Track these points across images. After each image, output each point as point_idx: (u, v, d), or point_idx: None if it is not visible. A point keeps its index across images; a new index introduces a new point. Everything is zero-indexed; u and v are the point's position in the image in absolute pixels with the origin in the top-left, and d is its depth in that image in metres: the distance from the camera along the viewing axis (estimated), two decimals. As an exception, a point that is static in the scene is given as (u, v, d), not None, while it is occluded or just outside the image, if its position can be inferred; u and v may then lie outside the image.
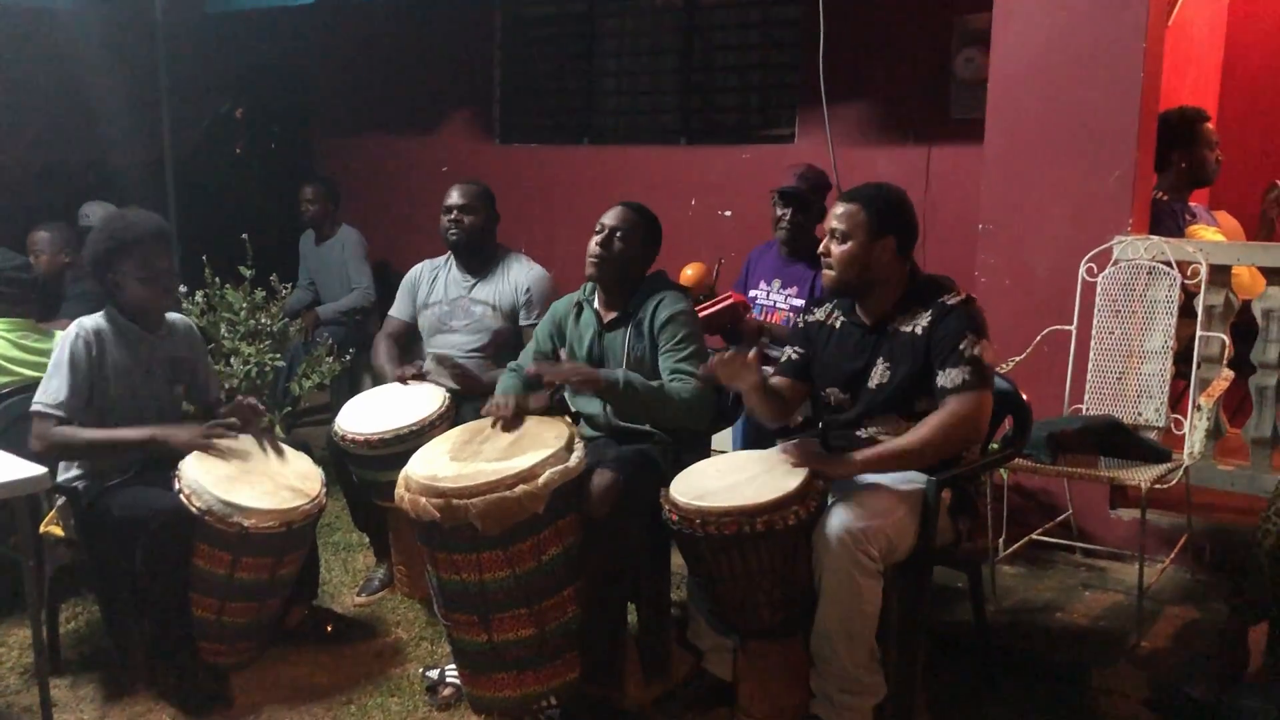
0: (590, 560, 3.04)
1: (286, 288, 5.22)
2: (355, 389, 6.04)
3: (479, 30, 6.71)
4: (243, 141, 7.47)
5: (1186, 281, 3.75)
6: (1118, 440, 3.55)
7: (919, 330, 2.90)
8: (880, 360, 2.95)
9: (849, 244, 2.91)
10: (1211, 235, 4.13)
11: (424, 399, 3.76)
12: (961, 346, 2.83)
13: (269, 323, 5.06)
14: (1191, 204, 4.39)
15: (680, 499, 2.82)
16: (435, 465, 3.04)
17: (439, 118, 6.90)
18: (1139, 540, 3.56)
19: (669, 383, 3.19)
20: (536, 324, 3.97)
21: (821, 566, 2.72)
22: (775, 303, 4.31)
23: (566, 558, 3.01)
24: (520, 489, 2.88)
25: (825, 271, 2.97)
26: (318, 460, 3.57)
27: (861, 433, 2.98)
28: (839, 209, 2.93)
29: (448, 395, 3.78)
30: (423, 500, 2.92)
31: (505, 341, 4.06)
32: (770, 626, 2.86)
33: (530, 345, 3.62)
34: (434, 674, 3.27)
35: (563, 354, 3.48)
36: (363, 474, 3.76)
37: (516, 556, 2.93)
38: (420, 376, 3.93)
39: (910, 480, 2.88)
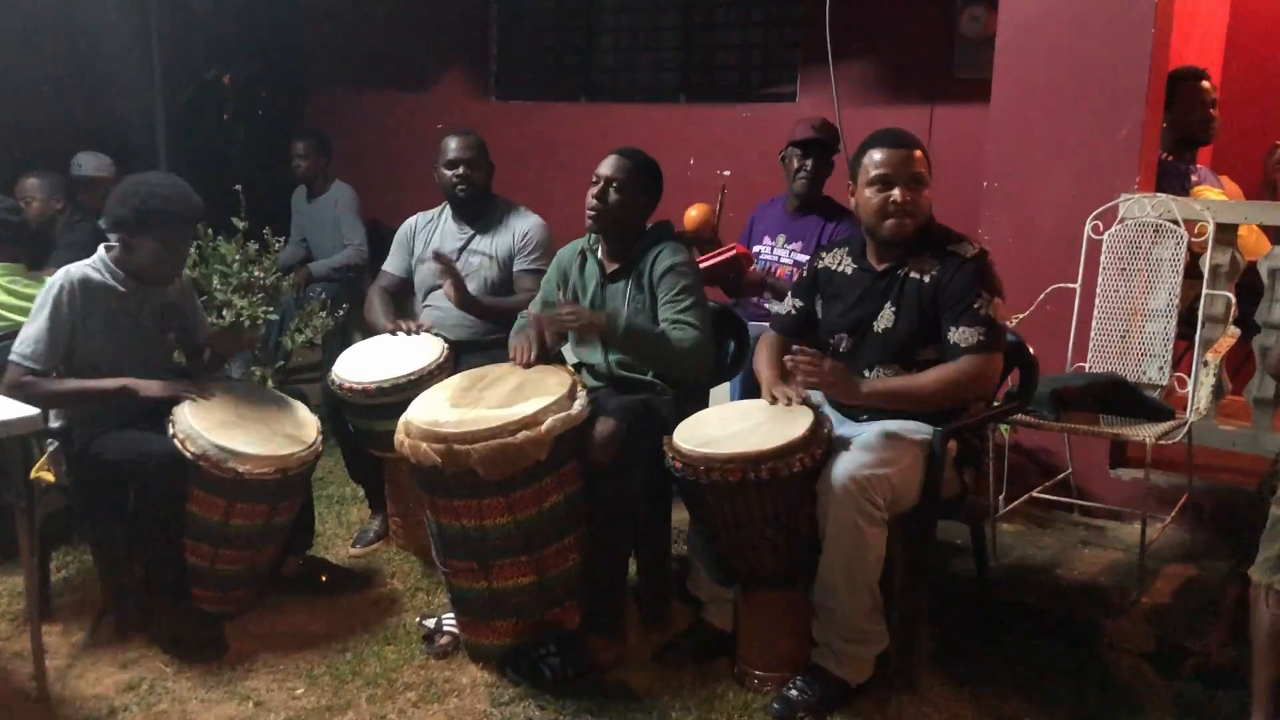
0: (592, 508, 3.01)
1: (280, 241, 5.16)
2: (347, 346, 5.98)
3: (476, -16, 6.62)
4: (230, 109, 7.32)
5: (1193, 240, 3.72)
6: (1121, 398, 3.53)
7: (928, 279, 2.87)
8: (888, 305, 2.92)
9: (927, 189, 2.89)
10: (1216, 196, 4.10)
11: (423, 349, 3.71)
12: (976, 305, 2.80)
13: (262, 276, 5.00)
14: (1198, 165, 4.36)
15: (684, 445, 2.78)
16: (436, 411, 3.00)
17: (434, 73, 6.81)
18: (1146, 499, 3.55)
19: (672, 331, 3.15)
20: (532, 269, 3.94)
21: (826, 514, 2.70)
22: (779, 258, 4.27)
23: (568, 505, 2.97)
24: (523, 435, 2.84)
25: (902, 223, 2.88)
26: (312, 411, 3.53)
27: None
28: (910, 154, 2.88)
29: (446, 345, 3.73)
30: (424, 446, 2.88)
31: (502, 292, 4.01)
32: (773, 575, 2.83)
33: (539, 295, 3.57)
34: (430, 623, 3.23)
35: (560, 296, 3.42)
36: (360, 423, 3.72)
37: (518, 503, 2.90)
38: (417, 329, 3.88)
39: (917, 430, 2.85)
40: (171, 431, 3.13)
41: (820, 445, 2.74)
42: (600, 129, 6.11)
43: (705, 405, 3.28)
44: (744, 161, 5.58)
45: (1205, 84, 4.29)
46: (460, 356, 3.73)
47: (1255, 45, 5.36)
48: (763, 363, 3.13)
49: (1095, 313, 3.83)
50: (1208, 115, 4.27)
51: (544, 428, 2.87)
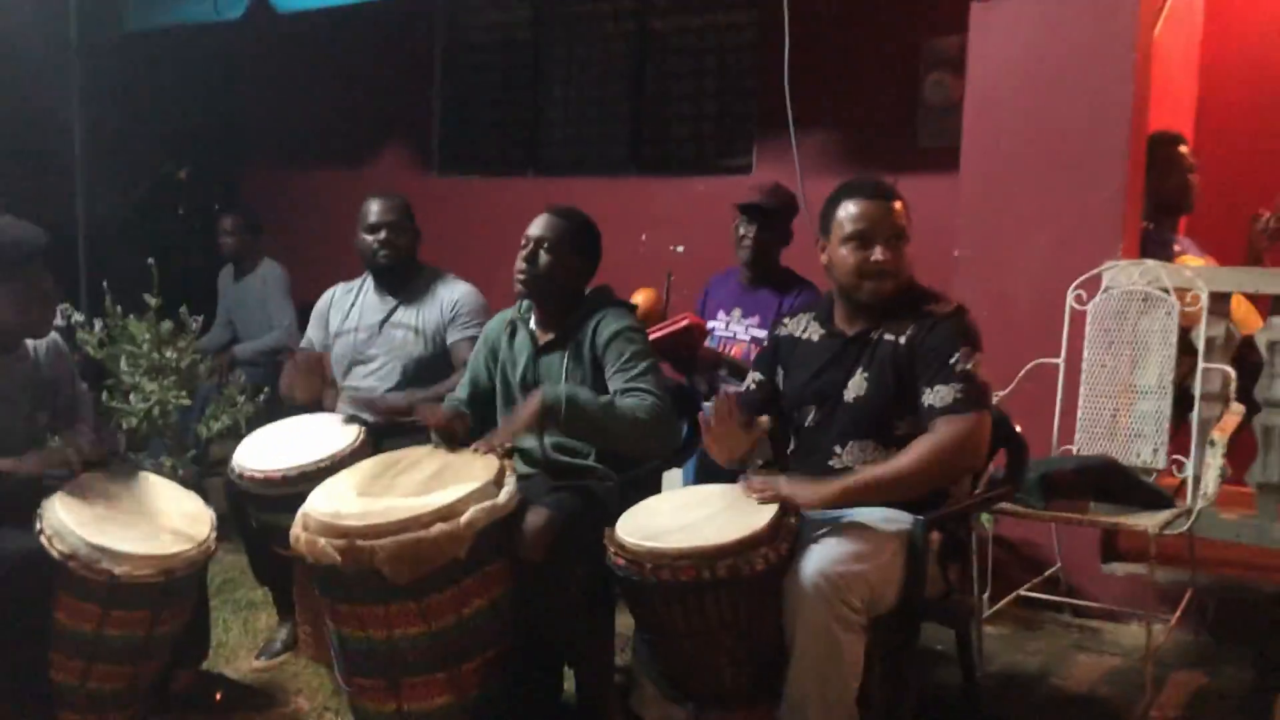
0: (521, 616, 2.59)
1: (197, 320, 4.76)
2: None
3: (418, 55, 6.33)
4: (184, 204, 6.97)
5: (1184, 310, 3.41)
6: (1116, 483, 3.18)
7: (903, 339, 2.54)
8: (860, 371, 2.58)
9: (907, 244, 2.58)
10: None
11: (336, 432, 3.31)
12: (952, 361, 2.47)
13: (175, 357, 4.60)
14: (1180, 235, 4.11)
15: (628, 539, 2.38)
16: (339, 501, 2.59)
17: (373, 147, 6.48)
18: (1143, 596, 3.19)
19: (625, 400, 2.76)
20: (469, 335, 3.57)
21: (795, 619, 2.30)
22: (735, 333, 3.93)
23: (493, 612, 2.56)
24: (438, 529, 2.44)
25: (882, 284, 2.56)
26: (216, 509, 3.11)
27: (835, 462, 2.60)
28: (889, 207, 2.57)
29: (363, 428, 3.33)
30: (321, 541, 2.47)
31: (429, 369, 3.62)
32: (733, 692, 2.41)
33: (465, 376, 3.18)
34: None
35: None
36: (263, 518, 3.28)
37: (433, 610, 2.48)
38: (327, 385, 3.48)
39: (894, 520, 2.48)
40: (38, 527, 2.71)
41: (787, 538, 2.35)
42: (548, 203, 5.77)
43: (657, 492, 2.89)
44: (698, 235, 5.28)
45: (1183, 148, 4.06)
46: (380, 441, 3.33)
47: (1225, 115, 5.16)
48: (712, 436, 2.73)
49: (1081, 390, 3.50)
50: (1186, 181, 4.03)
51: (464, 520, 2.47)
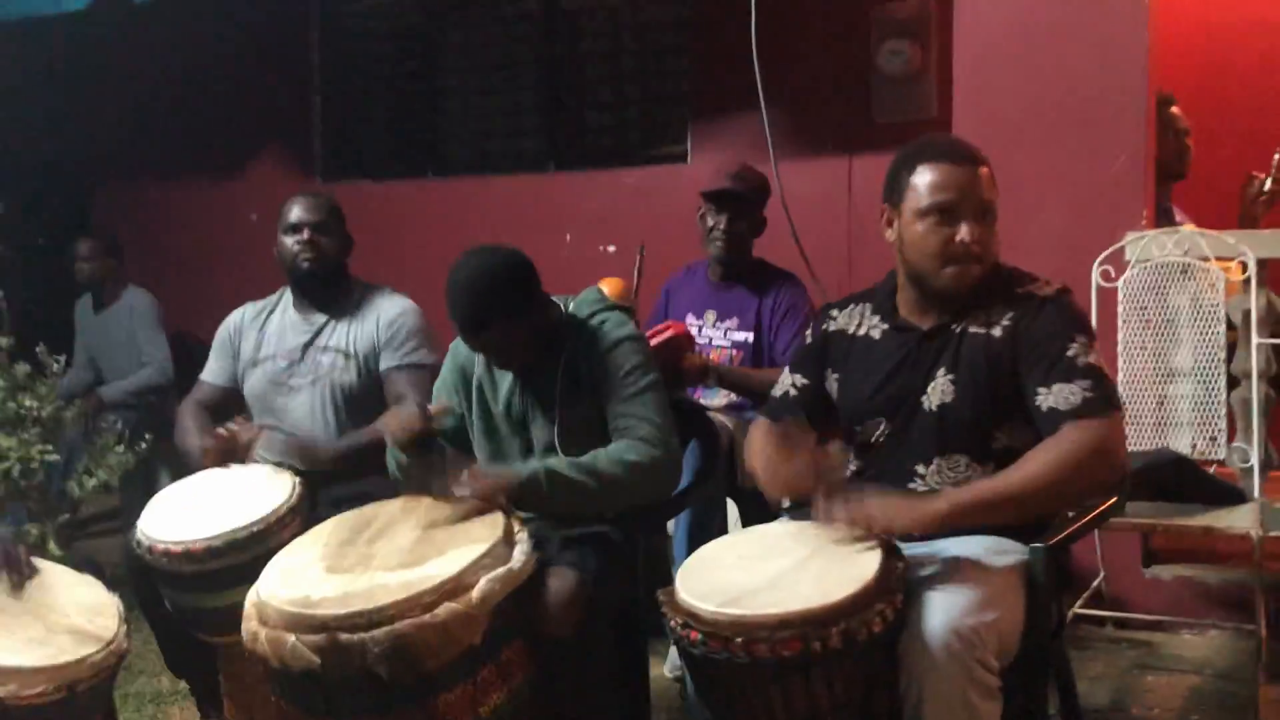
0: (548, 705, 2.03)
1: (59, 361, 4.03)
2: (152, 489, 4.86)
3: (292, 49, 5.64)
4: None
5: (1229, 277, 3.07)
6: (1185, 479, 2.80)
7: (997, 331, 2.08)
8: (941, 372, 2.10)
9: (995, 220, 2.10)
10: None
11: (264, 487, 2.67)
12: (1071, 353, 2.01)
13: (36, 406, 3.86)
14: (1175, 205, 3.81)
15: (701, 606, 1.83)
16: (305, 583, 1.98)
17: (245, 155, 5.75)
18: (1190, 602, 2.83)
19: (610, 450, 2.24)
20: (407, 364, 2.97)
21: (922, 689, 1.80)
22: (711, 339, 3.43)
23: (513, 707, 1.99)
24: (445, 610, 1.87)
25: (968, 270, 2.08)
26: (110, 584, 2.45)
27: (917, 484, 2.12)
28: (976, 174, 2.09)
29: (297, 479, 2.71)
30: (290, 640, 1.86)
31: (364, 402, 3.00)
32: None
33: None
34: None
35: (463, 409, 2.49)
36: (180, 600, 2.63)
37: (442, 715, 1.90)
38: (240, 440, 2.84)
39: (1004, 551, 2.02)
40: None
41: (899, 586, 1.85)
42: (455, 207, 5.20)
43: (663, 531, 2.37)
44: (632, 233, 4.73)
45: (1176, 109, 3.75)
46: (316, 492, 2.72)
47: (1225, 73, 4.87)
48: (766, 462, 2.23)
49: (1120, 377, 3.11)
50: (1184, 145, 3.72)
51: (476, 595, 1.90)
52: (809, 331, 2.38)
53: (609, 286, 3.44)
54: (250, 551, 2.45)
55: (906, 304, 2.20)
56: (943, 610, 1.82)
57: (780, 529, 2.10)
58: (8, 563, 2.34)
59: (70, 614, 2.28)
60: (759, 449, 2.23)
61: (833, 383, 2.27)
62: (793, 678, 1.77)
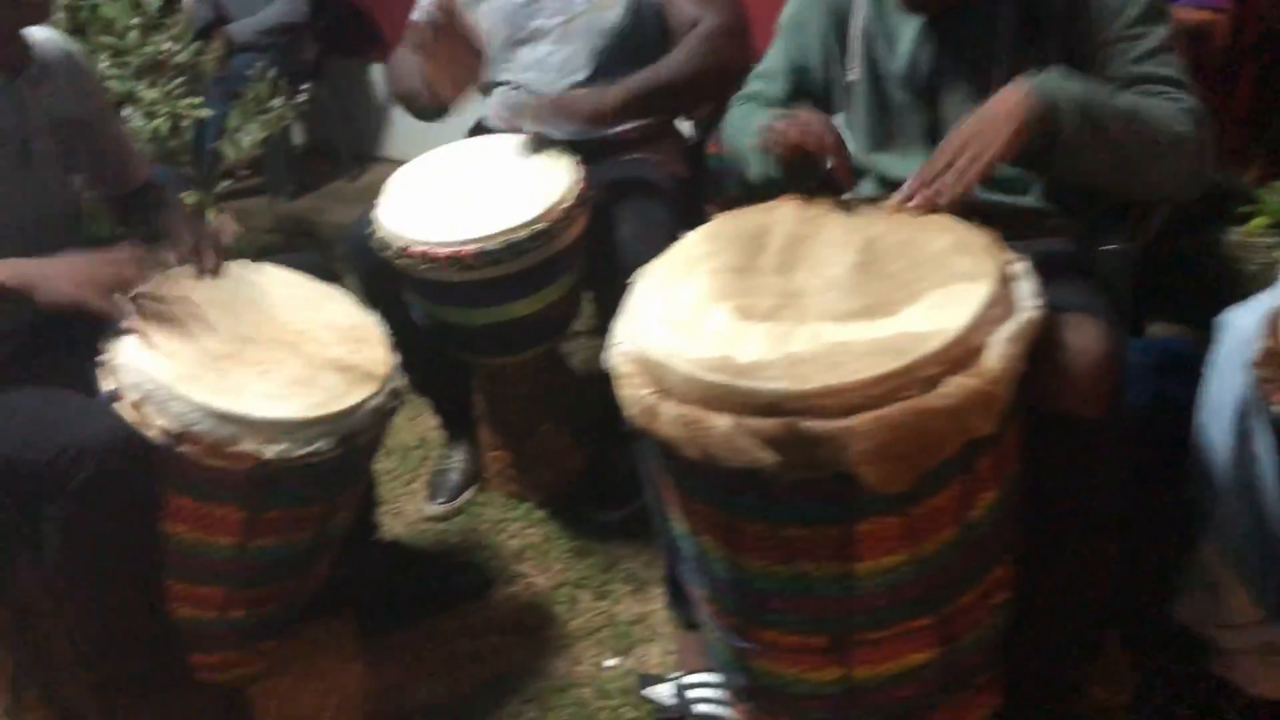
0: (1042, 504, 1.46)
1: (181, -6, 3.33)
2: (288, 149, 4.26)
3: None
4: None
5: None
6: None
7: None
8: None
9: None
10: None
11: (539, 169, 2.05)
12: None
13: (174, 48, 3.17)
14: None
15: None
16: (715, 334, 1.35)
17: None
18: None
19: (1157, 103, 1.46)
20: None
21: None
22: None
23: (1003, 508, 1.41)
24: (956, 386, 1.24)
25: None
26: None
27: None
28: None
29: (573, 157, 2.06)
30: (727, 425, 1.25)
31: (632, 53, 2.24)
32: None
33: (775, 62, 1.84)
34: (663, 691, 1.74)
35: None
36: (438, 313, 2.08)
37: (924, 524, 1.33)
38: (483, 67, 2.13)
39: None
40: (110, 388, 1.54)
41: None
42: None
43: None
44: None
45: None
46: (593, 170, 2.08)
47: None
48: None
49: None
50: None
51: (995, 362, 1.26)
52: None
53: None
54: (531, 258, 1.92)
55: None
56: None
57: None
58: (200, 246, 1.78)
59: (327, 341, 1.75)
60: None
61: None
62: None
